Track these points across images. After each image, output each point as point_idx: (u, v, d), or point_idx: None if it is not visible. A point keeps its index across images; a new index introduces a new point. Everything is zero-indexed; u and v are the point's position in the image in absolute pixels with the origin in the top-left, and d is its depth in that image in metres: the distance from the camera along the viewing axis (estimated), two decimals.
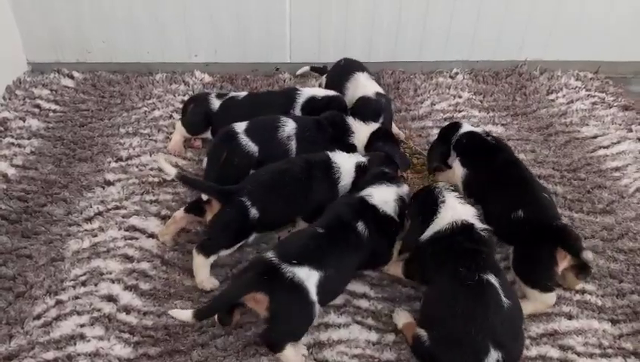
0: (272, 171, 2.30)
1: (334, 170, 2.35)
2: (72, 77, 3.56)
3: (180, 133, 2.92)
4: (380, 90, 2.96)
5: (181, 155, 2.91)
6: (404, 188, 2.29)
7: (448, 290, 1.82)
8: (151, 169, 2.80)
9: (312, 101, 2.77)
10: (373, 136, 2.57)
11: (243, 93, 2.89)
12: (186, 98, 3.37)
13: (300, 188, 2.28)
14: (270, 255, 1.90)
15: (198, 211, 2.29)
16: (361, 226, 2.08)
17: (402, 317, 2.02)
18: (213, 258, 2.18)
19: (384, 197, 2.20)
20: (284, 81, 3.62)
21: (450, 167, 2.60)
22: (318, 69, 3.56)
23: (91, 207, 2.54)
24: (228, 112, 2.80)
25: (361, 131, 2.60)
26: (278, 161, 2.39)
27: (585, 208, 2.60)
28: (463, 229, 1.98)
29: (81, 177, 2.73)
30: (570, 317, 2.10)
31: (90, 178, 2.73)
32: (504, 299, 1.75)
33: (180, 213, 2.33)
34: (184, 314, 1.84)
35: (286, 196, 2.26)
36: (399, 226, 2.24)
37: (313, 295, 1.87)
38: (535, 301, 2.09)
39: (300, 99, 2.78)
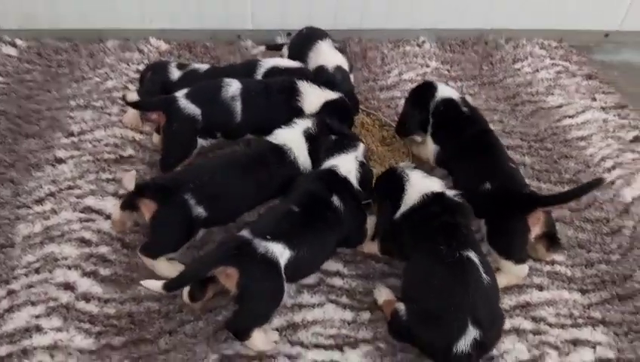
0: (218, 164, 2.14)
1: (286, 153, 2.18)
2: (14, 45, 3.26)
3: None
4: (344, 61, 2.83)
5: (138, 129, 2.73)
6: (361, 149, 2.21)
7: (428, 266, 1.79)
8: (106, 145, 2.62)
9: (273, 72, 2.62)
10: (326, 107, 2.42)
11: (205, 66, 2.72)
12: (140, 67, 3.17)
13: (254, 178, 2.11)
14: (243, 232, 1.83)
15: (136, 207, 2.06)
16: (336, 201, 2.00)
17: (383, 294, 1.98)
18: (161, 259, 2.03)
19: (348, 166, 2.13)
20: (247, 48, 3.44)
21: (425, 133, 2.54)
22: (274, 46, 3.37)
23: (42, 187, 2.36)
24: (187, 84, 2.61)
25: (313, 95, 2.44)
26: (221, 152, 2.26)
27: (552, 178, 2.61)
28: (435, 199, 1.96)
29: (28, 155, 2.52)
30: (541, 288, 2.12)
31: (39, 155, 2.53)
32: (484, 276, 1.73)
33: (116, 213, 2.14)
34: (155, 284, 1.77)
35: (239, 190, 2.09)
36: (366, 196, 2.19)
37: (283, 273, 1.81)
38: (509, 273, 2.09)
39: (261, 70, 2.63)
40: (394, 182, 2.06)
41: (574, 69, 3.48)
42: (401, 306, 1.81)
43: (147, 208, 1.99)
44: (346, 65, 2.85)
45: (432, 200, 1.94)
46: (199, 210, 1.99)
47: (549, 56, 3.59)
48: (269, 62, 2.67)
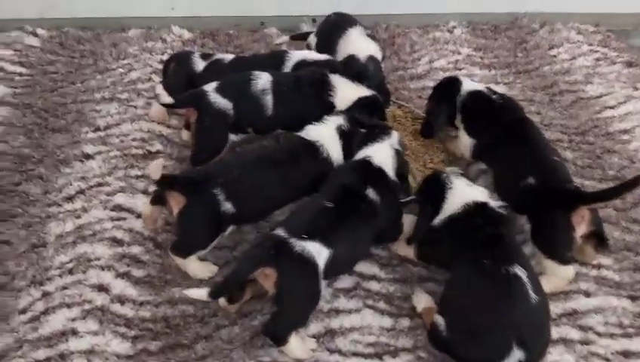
0: (249, 159, 2.07)
1: (319, 149, 2.11)
2: (36, 35, 3.21)
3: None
4: (376, 50, 2.73)
5: (165, 123, 2.67)
6: (395, 137, 2.14)
7: (471, 281, 1.72)
8: (133, 139, 2.57)
9: (301, 65, 2.52)
10: (358, 103, 2.33)
11: (229, 56, 2.63)
12: (164, 57, 3.09)
13: (286, 175, 2.05)
14: (279, 230, 1.79)
15: (165, 201, 2.01)
16: (371, 193, 1.94)
17: (422, 301, 1.92)
18: (192, 257, 1.99)
19: (382, 155, 2.06)
20: (271, 36, 3.35)
21: (456, 128, 2.45)
22: (299, 36, 3.24)
23: (71, 184, 2.32)
24: (212, 76, 2.54)
25: (346, 90, 2.35)
26: (253, 146, 2.20)
27: (596, 175, 2.51)
28: (477, 209, 1.88)
29: (56, 150, 2.49)
30: (588, 294, 2.03)
31: (67, 151, 2.49)
32: (532, 294, 1.64)
33: (146, 208, 2.10)
34: (199, 292, 1.74)
35: (270, 187, 2.03)
36: (402, 188, 2.13)
37: (322, 272, 1.77)
38: (554, 275, 2.01)
39: (290, 63, 2.54)
40: (436, 188, 1.99)
41: (613, 55, 3.33)
42: (440, 319, 1.74)
43: (175, 201, 1.95)
44: (378, 54, 2.75)
45: (475, 210, 1.86)
46: (228, 206, 1.94)
47: (586, 41, 3.43)
48: (296, 55, 2.58)
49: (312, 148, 2.11)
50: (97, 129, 2.61)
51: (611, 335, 1.91)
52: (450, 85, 2.45)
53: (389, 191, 2.02)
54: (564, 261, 2.00)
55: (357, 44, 2.70)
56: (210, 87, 2.30)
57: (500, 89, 2.97)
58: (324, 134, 2.15)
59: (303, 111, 2.27)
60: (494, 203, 1.91)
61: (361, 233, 1.92)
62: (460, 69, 3.15)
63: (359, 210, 1.91)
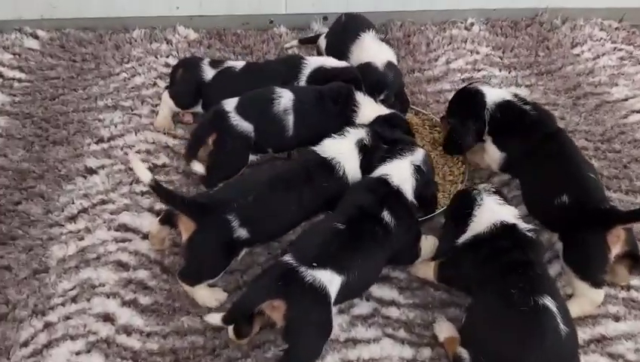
0: (263, 181, 1.93)
1: (334, 167, 1.98)
2: (36, 37, 3.08)
3: (167, 106, 2.54)
4: (392, 55, 2.59)
5: (171, 132, 2.56)
6: (419, 154, 2.00)
7: (497, 312, 1.61)
8: (138, 151, 2.45)
9: (319, 72, 2.38)
10: (379, 120, 2.19)
11: (240, 64, 2.50)
12: (169, 60, 2.98)
13: (301, 196, 1.93)
14: (287, 258, 1.68)
15: (174, 224, 1.91)
16: (387, 216, 1.82)
17: (444, 330, 1.82)
18: (201, 284, 1.89)
19: (401, 174, 1.93)
20: (281, 36, 3.20)
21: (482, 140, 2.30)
22: (308, 40, 3.10)
23: (73, 202, 2.22)
24: (222, 85, 2.42)
25: (368, 108, 2.23)
26: (263, 166, 2.10)
27: (623, 186, 2.38)
28: (505, 231, 1.76)
29: (58, 164, 2.38)
30: (617, 318, 1.92)
31: (69, 165, 2.38)
32: (562, 327, 1.54)
33: (154, 227, 2.02)
34: (215, 317, 1.67)
35: (285, 209, 1.92)
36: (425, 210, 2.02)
37: (333, 302, 1.67)
38: (583, 297, 1.90)
39: (307, 70, 2.39)
40: (464, 204, 1.87)
41: (639, 54, 3.16)
42: (464, 352, 1.64)
43: (185, 227, 1.84)
44: (395, 60, 2.61)
45: (502, 231, 1.75)
46: (242, 232, 1.83)
47: (610, 39, 3.27)
48: (313, 62, 2.43)
49: (328, 167, 1.99)
50: (100, 140, 2.50)
51: None
52: (473, 99, 2.26)
53: (406, 213, 1.89)
54: (597, 283, 1.89)
55: (372, 50, 2.56)
56: (230, 107, 2.17)
57: (522, 92, 2.86)
58: (342, 149, 2.03)
59: (325, 128, 2.13)
60: (523, 225, 1.79)
61: (374, 257, 1.81)
62: (479, 70, 3.01)
63: (373, 233, 1.80)
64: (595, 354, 1.82)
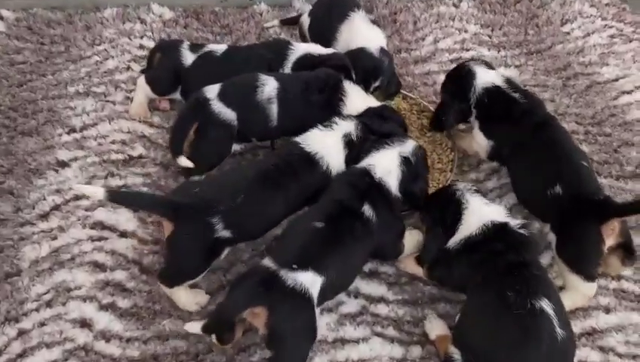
0: (247, 179, 1.81)
1: (318, 163, 1.89)
2: (1, 17, 2.88)
3: (143, 92, 2.41)
4: (383, 38, 2.47)
5: (147, 120, 2.43)
6: (409, 145, 1.92)
7: (493, 314, 1.56)
8: (112, 142, 2.34)
9: (305, 59, 2.25)
10: (369, 112, 2.08)
11: (221, 47, 2.36)
12: (144, 41, 2.83)
13: (287, 194, 1.85)
14: (267, 261, 1.60)
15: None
16: (368, 211, 1.75)
17: (435, 328, 1.78)
18: (180, 287, 1.81)
19: (386, 165, 1.85)
20: (261, 14, 3.05)
21: (468, 122, 2.24)
22: (289, 20, 2.94)
23: (45, 199, 2.10)
24: (202, 71, 2.29)
25: (357, 101, 2.11)
26: (244, 162, 2.03)
27: (614, 171, 2.33)
28: (497, 231, 1.71)
29: (27, 157, 2.25)
30: (607, 310, 1.90)
31: (39, 158, 2.25)
32: (558, 331, 1.50)
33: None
34: (195, 326, 1.61)
35: (270, 207, 1.83)
36: (410, 205, 1.95)
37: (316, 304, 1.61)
38: (575, 291, 1.87)
39: (293, 57, 2.26)
40: (449, 207, 1.80)
41: (629, 31, 3.09)
42: (455, 352, 1.60)
43: (166, 225, 1.75)
44: (385, 44, 2.49)
45: (494, 232, 1.69)
46: (225, 233, 1.75)
47: (600, 15, 3.18)
48: (300, 48, 2.30)
49: (311, 162, 1.90)
50: (72, 130, 2.36)
51: (633, 357, 1.79)
52: (461, 78, 2.19)
53: (388, 208, 1.81)
54: (590, 277, 1.85)
55: (363, 33, 2.43)
56: (212, 94, 2.05)
57: (511, 72, 2.79)
58: (327, 143, 1.93)
59: (310, 118, 2.02)
60: (514, 222, 1.73)
61: (355, 254, 1.74)
62: (468, 50, 2.91)
63: (353, 229, 1.71)
64: (586, 348, 1.80)
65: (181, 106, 2.13)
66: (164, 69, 2.36)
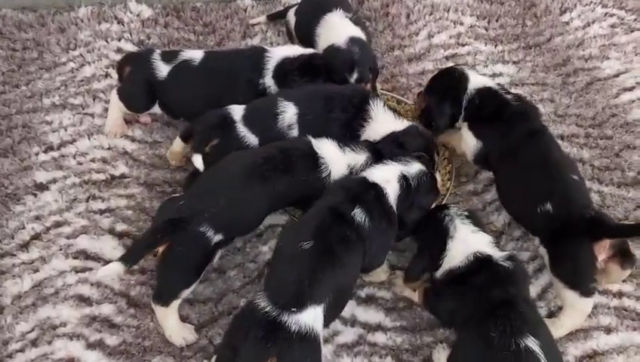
0: (241, 178, 1.78)
1: (321, 165, 1.87)
2: None
3: (117, 108, 2.26)
4: (356, 30, 2.34)
5: (124, 134, 2.30)
6: (414, 167, 1.84)
7: (479, 355, 1.51)
8: (92, 160, 2.22)
9: (285, 63, 2.14)
10: (387, 138, 1.98)
11: (198, 55, 2.21)
12: (122, 44, 2.69)
13: (279, 193, 1.82)
14: (263, 303, 1.52)
15: None
16: (359, 215, 1.67)
17: (443, 357, 1.72)
18: (176, 303, 1.75)
19: (384, 175, 1.79)
20: (245, 10, 2.89)
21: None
22: (276, 14, 2.80)
23: (24, 227, 2.01)
24: (180, 83, 2.17)
25: (384, 123, 2.01)
26: (239, 154, 1.88)
27: (615, 178, 2.26)
28: (481, 265, 1.64)
29: (4, 180, 2.14)
30: (609, 330, 1.86)
31: (16, 181, 2.14)
32: None
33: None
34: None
35: (260, 206, 1.82)
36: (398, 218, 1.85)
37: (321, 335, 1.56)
38: (573, 308, 1.82)
39: (271, 64, 2.15)
40: (437, 235, 1.73)
41: (631, 19, 2.97)
42: None
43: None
44: (360, 35, 2.36)
45: (478, 265, 1.63)
46: (216, 237, 1.73)
47: (600, 3, 3.04)
48: (277, 54, 2.18)
49: (313, 159, 1.88)
50: (49, 148, 2.25)
51: None
52: (455, 81, 2.11)
53: (384, 214, 1.73)
54: (586, 293, 1.80)
55: (334, 30, 2.33)
56: (237, 116, 1.98)
57: (509, 69, 2.69)
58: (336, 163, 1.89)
59: (329, 134, 1.96)
60: (499, 254, 1.66)
61: (351, 265, 1.67)
62: (464, 45, 2.78)
63: (345, 239, 1.64)
64: None
65: (201, 120, 2.01)
66: (136, 85, 2.20)
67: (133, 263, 1.68)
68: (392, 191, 1.77)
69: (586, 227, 1.78)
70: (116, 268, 1.62)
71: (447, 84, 2.15)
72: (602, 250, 1.78)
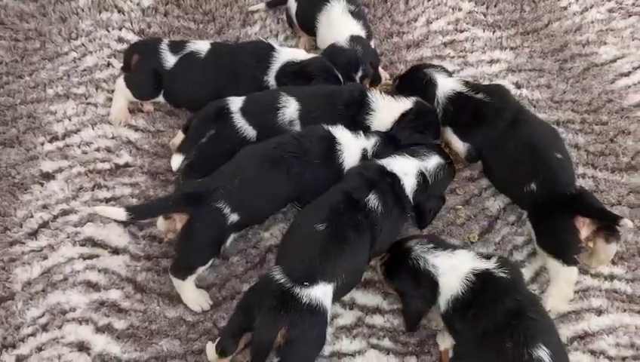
0: (254, 162, 1.88)
1: (337, 151, 1.96)
2: None
3: (123, 95, 2.31)
4: (357, 27, 2.38)
5: (128, 123, 2.35)
6: (432, 162, 1.96)
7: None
8: (97, 149, 2.27)
9: (288, 67, 2.19)
10: (404, 118, 2.04)
11: (204, 46, 2.24)
12: (122, 33, 2.71)
13: (293, 179, 1.91)
14: (278, 275, 1.64)
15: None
16: (372, 201, 1.79)
17: (447, 341, 1.78)
18: (192, 277, 1.85)
19: (403, 167, 1.91)
20: None
21: None
22: (276, 1, 2.81)
23: (32, 216, 2.06)
24: (187, 74, 2.21)
25: (386, 110, 2.06)
26: (257, 144, 1.96)
27: (609, 163, 2.30)
28: (484, 280, 1.66)
29: (11, 170, 2.19)
30: (599, 312, 1.92)
31: (23, 170, 2.19)
32: None
33: (161, 223, 1.96)
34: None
35: (274, 190, 1.90)
36: (412, 211, 1.97)
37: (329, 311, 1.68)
38: (558, 278, 1.92)
39: (276, 65, 2.19)
40: (417, 276, 1.73)
41: (629, 3, 2.97)
42: None
43: (179, 217, 1.82)
44: (361, 32, 2.40)
45: (481, 282, 1.65)
46: (233, 218, 1.82)
47: None
48: (283, 55, 2.21)
49: (329, 145, 1.97)
50: (54, 138, 2.29)
51: (623, 359, 1.83)
52: (424, 89, 2.19)
53: (397, 202, 1.85)
54: (569, 261, 1.90)
55: (336, 26, 2.37)
56: (235, 106, 2.02)
57: (507, 55, 2.71)
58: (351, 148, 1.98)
59: None
60: (492, 264, 1.69)
61: (362, 249, 1.78)
62: (462, 31, 2.80)
63: (356, 224, 1.75)
64: (578, 352, 1.83)
65: (199, 113, 2.06)
66: (144, 73, 2.25)
67: (137, 217, 1.84)
68: (408, 184, 1.90)
69: (566, 204, 1.92)
70: (120, 213, 1.78)
71: (415, 85, 2.20)
72: (583, 225, 1.91)
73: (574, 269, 1.91)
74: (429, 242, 1.78)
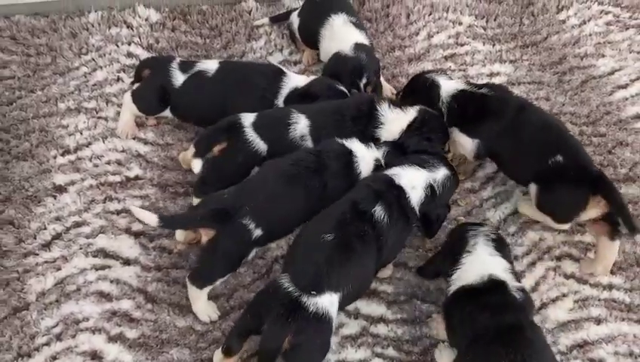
0: (276, 179, 1.92)
1: (354, 163, 2.01)
2: None
3: (129, 110, 2.37)
4: (360, 36, 2.45)
5: (140, 137, 2.41)
6: (440, 173, 1.99)
7: None
8: (108, 162, 2.33)
9: (294, 93, 2.25)
10: (411, 128, 2.09)
11: (213, 65, 2.31)
12: (132, 48, 2.77)
13: (313, 194, 1.94)
14: (286, 283, 1.68)
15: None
16: (379, 212, 1.82)
17: (445, 357, 1.82)
18: (209, 287, 1.90)
19: (412, 180, 1.93)
20: (250, 12, 2.98)
21: None
22: (279, 17, 2.89)
23: (45, 228, 2.12)
24: (194, 93, 2.27)
25: (395, 122, 2.10)
26: (278, 160, 2.00)
27: (607, 175, 2.32)
28: (494, 288, 1.72)
29: (24, 183, 2.25)
30: (598, 321, 1.97)
31: (36, 183, 2.25)
32: None
33: (180, 234, 2.05)
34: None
35: (297, 205, 1.94)
36: (418, 222, 2.00)
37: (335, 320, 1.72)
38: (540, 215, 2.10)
39: (285, 90, 2.25)
40: (455, 249, 1.84)
41: (626, 17, 3.04)
42: None
43: (205, 231, 1.87)
44: (364, 40, 2.46)
45: (491, 288, 1.70)
46: (258, 233, 1.86)
47: (596, 0, 3.11)
48: (291, 81, 2.27)
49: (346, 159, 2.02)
50: (66, 151, 2.35)
51: None
52: (426, 87, 2.24)
53: (403, 215, 1.88)
54: (562, 220, 2.06)
55: (339, 36, 2.43)
56: (247, 121, 2.07)
57: (506, 68, 2.78)
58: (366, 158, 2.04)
59: None
60: (514, 284, 1.73)
61: (369, 260, 1.82)
62: (462, 45, 2.87)
63: (363, 234, 1.78)
64: (577, 361, 1.88)
65: (213, 125, 2.11)
66: (151, 89, 2.31)
67: (166, 226, 1.90)
68: (415, 197, 1.92)
69: (590, 179, 1.98)
70: (153, 219, 1.81)
71: (420, 91, 2.25)
72: (595, 205, 1.97)
73: (565, 226, 2.10)
74: (495, 235, 1.88)
